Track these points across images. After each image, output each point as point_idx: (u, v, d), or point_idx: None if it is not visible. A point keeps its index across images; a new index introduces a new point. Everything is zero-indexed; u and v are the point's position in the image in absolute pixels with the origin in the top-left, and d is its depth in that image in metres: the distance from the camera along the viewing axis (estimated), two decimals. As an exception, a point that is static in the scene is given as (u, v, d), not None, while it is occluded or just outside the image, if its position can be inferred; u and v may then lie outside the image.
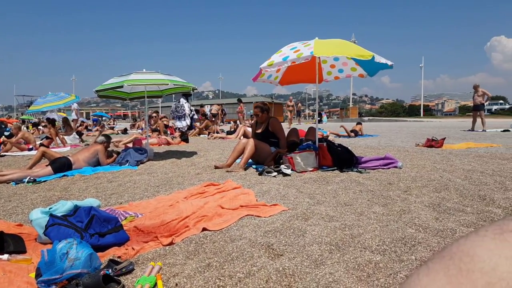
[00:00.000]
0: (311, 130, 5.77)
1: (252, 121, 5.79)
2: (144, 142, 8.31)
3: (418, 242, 2.10)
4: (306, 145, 4.86)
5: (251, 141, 5.12)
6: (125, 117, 69.11)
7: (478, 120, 13.31)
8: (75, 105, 17.27)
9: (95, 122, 25.56)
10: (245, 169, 4.99)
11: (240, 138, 11.39)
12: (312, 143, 4.97)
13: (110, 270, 1.84)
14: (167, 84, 6.53)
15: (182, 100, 13.92)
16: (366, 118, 36.87)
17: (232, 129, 14.63)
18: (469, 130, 13.52)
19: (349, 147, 5.16)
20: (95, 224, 2.38)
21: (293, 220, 2.60)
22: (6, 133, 10.80)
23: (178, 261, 1.99)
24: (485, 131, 12.77)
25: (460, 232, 2.24)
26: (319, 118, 11.54)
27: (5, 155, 8.46)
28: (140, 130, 17.12)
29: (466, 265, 0.28)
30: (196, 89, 7.12)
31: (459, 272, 0.28)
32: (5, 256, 2.00)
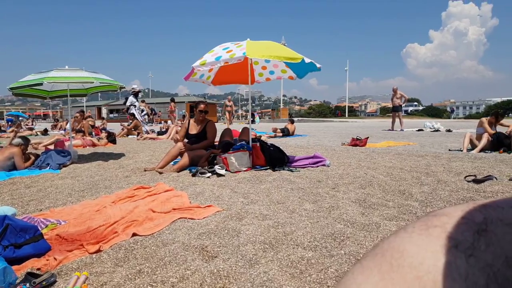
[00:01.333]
0: (245, 131, 5.82)
1: (184, 121, 5.67)
2: (67, 143, 7.77)
3: (346, 237, 2.20)
4: (240, 145, 4.89)
5: (186, 156, 5.00)
6: (45, 117, 64.23)
7: (397, 120, 14.41)
8: None
9: (9, 123, 23.40)
10: (178, 169, 4.87)
11: (172, 139, 11.16)
12: (246, 143, 5.01)
13: (27, 284, 1.68)
14: (92, 82, 6.15)
15: (131, 99, 13.00)
16: (295, 119, 38.13)
17: (164, 129, 14.25)
18: (389, 130, 14.59)
19: (280, 147, 5.28)
20: (9, 235, 2.15)
21: (227, 220, 2.59)
22: None
23: (106, 269, 1.89)
24: (403, 130, 13.87)
25: (384, 226, 2.40)
26: (252, 119, 11.67)
27: None
28: (62, 131, 16.00)
29: (397, 261, 0.29)
30: (123, 87, 6.82)
31: (390, 268, 0.29)
32: None
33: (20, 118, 26.22)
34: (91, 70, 6.38)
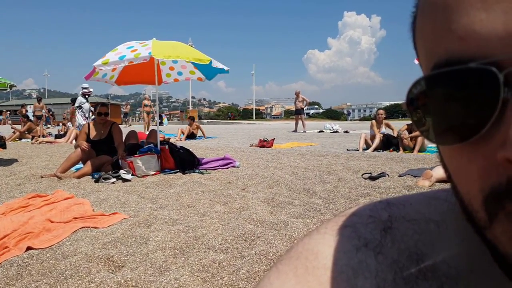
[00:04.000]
0: (153, 133, 5.63)
1: (91, 123, 5.25)
2: None
3: (257, 236, 2.27)
4: (147, 148, 4.72)
5: (89, 164, 4.64)
6: None
7: (300, 122, 15.21)
8: None
9: None
10: (79, 177, 4.52)
11: (71, 143, 10.29)
12: (154, 146, 4.86)
13: None
14: (-26, 80, 5.44)
15: (80, 99, 11.28)
16: (205, 121, 38.00)
17: (62, 132, 13.10)
18: (293, 131, 15.34)
19: (190, 149, 5.23)
20: None
21: (135, 228, 2.50)
22: None
23: (-6, 290, 1.68)
24: (306, 132, 14.70)
25: (291, 224, 2.52)
26: (160, 121, 11.21)
27: None
28: None
29: (312, 263, 0.30)
30: (14, 86, 6.15)
31: (306, 271, 0.30)
32: None
33: None
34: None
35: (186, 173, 4.62)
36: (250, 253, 2.03)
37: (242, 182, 4.04)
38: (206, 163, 5.07)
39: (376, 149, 7.05)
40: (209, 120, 40.87)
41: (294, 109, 15.72)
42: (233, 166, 5.03)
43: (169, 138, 9.55)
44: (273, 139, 8.69)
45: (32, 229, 2.47)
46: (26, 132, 12.40)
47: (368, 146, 7.22)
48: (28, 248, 2.16)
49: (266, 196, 3.35)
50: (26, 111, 15.29)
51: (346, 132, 14.51)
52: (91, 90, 10.96)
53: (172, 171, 4.67)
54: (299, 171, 4.67)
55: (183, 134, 11.71)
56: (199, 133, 12.44)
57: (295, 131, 15.32)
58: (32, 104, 15.74)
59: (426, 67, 0.24)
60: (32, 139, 11.72)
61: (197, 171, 4.72)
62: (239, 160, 5.47)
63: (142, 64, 4.85)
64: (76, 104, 11.43)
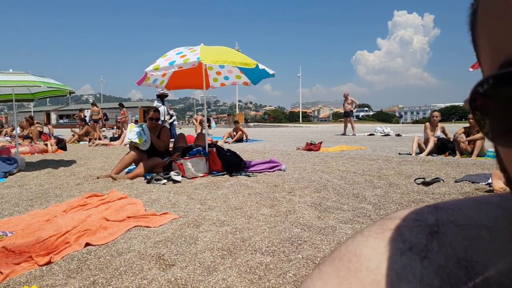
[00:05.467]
0: (201, 136, 5.78)
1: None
2: (13, 150, 7.32)
3: (303, 241, 2.26)
4: (196, 151, 4.85)
5: (142, 165, 4.87)
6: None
7: (349, 125, 14.89)
8: None
9: None
10: (132, 178, 4.75)
11: (125, 145, 10.78)
12: (202, 149, 4.98)
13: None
14: (40, 87, 5.86)
15: (156, 103, 11.66)
16: (251, 124, 38.29)
17: (116, 135, 13.79)
18: (342, 134, 15.05)
19: (237, 152, 5.30)
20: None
21: (184, 228, 2.57)
22: None
23: (58, 281, 1.81)
24: (355, 135, 14.36)
25: (340, 229, 2.48)
26: (208, 124, 11.35)
27: None
28: (8, 138, 15.04)
29: (354, 265, 0.30)
30: (73, 92, 6.56)
31: (348, 273, 0.30)
32: None
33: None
34: (38, 75, 6.09)
35: (233, 175, 4.69)
36: (297, 257, 2.02)
37: (289, 185, 4.03)
38: (253, 165, 5.11)
39: (430, 153, 6.73)
40: (255, 123, 41.12)
41: (342, 111, 15.42)
42: (279, 169, 5.03)
43: (216, 141, 9.75)
44: (321, 142, 8.57)
45: (90, 227, 2.62)
46: (84, 135, 13.19)
47: (421, 150, 6.91)
48: (87, 244, 2.30)
49: (313, 200, 3.32)
50: (84, 115, 16.20)
51: (398, 135, 13.99)
52: (167, 92, 10.90)
53: (219, 173, 4.76)
54: (347, 175, 4.57)
55: (231, 137, 11.89)
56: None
57: (344, 134, 15.02)
58: (89, 109, 16.64)
59: (490, 65, 0.23)
60: (89, 141, 12.45)
61: (244, 173, 4.77)
62: (286, 163, 5.46)
63: (191, 69, 4.99)
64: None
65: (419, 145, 7.02)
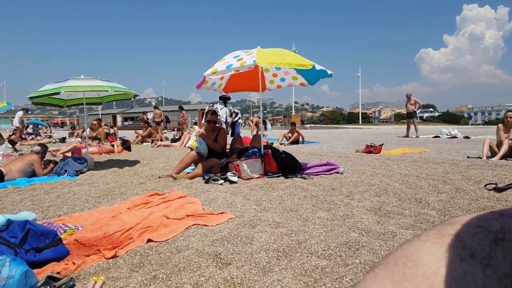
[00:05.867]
0: (256, 138, 5.83)
1: (203, 129, 5.65)
2: (83, 151, 7.91)
3: (361, 245, 2.18)
4: (252, 152, 4.89)
5: (200, 166, 5.02)
6: (63, 125, 65.45)
7: (412, 127, 14.21)
8: (20, 113, 16.71)
9: (29, 135, 23.90)
10: (191, 178, 4.91)
11: (185, 146, 11.19)
12: (258, 150, 5.02)
13: (48, 287, 1.72)
14: (107, 91, 6.29)
15: (217, 106, 11.71)
16: (308, 125, 37.99)
17: (177, 137, 14.35)
18: (404, 137, 14.39)
19: (292, 154, 5.27)
20: (31, 239, 2.21)
21: (240, 228, 2.60)
22: None
23: (122, 274, 1.91)
24: (418, 137, 13.68)
25: (400, 235, 2.37)
26: (263, 126, 11.36)
27: None
28: (79, 139, 16.26)
29: (410, 270, 0.29)
30: (137, 95, 6.93)
31: (403, 277, 0.28)
32: None
33: (39, 126, 26.73)
34: (105, 79, 6.52)
35: (289, 177, 4.67)
36: (354, 261, 1.96)
37: (347, 189, 3.92)
38: (309, 168, 5.04)
39: (503, 157, 6.20)
40: (312, 125, 40.68)
41: (405, 112, 14.75)
42: (337, 172, 4.91)
43: (272, 143, 9.78)
44: (381, 145, 8.25)
45: (151, 224, 2.74)
46: (147, 137, 13.89)
47: (493, 154, 6.40)
48: (149, 240, 2.41)
49: (372, 205, 3.20)
50: (147, 118, 17.06)
51: (467, 137, 13.08)
52: (228, 95, 11.06)
53: (275, 175, 4.77)
54: (410, 179, 4.35)
55: (286, 138, 11.85)
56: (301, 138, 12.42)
57: (407, 136, 14.35)
58: (152, 111, 17.47)
59: None
60: (151, 142, 13.09)
61: (300, 175, 4.73)
62: (343, 166, 5.33)
63: (248, 72, 5.05)
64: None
65: (490, 148, 6.51)
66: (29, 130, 20.96)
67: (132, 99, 7.02)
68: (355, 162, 6.11)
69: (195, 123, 22.46)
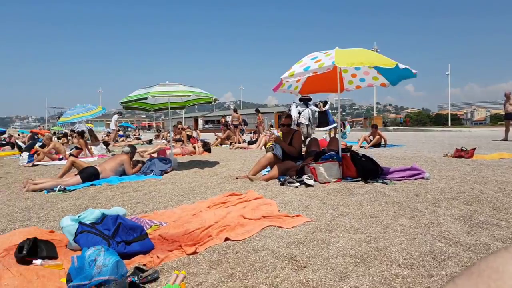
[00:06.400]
0: (334, 140, 5.71)
1: (279, 132, 5.71)
2: (168, 152, 8.44)
3: (448, 256, 2.02)
4: (329, 155, 4.79)
5: (276, 168, 5.07)
6: (149, 127, 70.59)
7: (511, 129, 12.82)
8: (115, 117, 18.94)
9: (123, 129, 26.29)
10: (267, 179, 4.97)
11: (261, 148, 11.38)
12: (335, 153, 4.90)
13: (136, 277, 1.87)
14: (189, 96, 6.66)
15: (299, 108, 11.71)
16: (391, 128, 36.23)
17: (254, 139, 14.66)
18: (502, 140, 12.99)
19: (373, 158, 5.06)
20: (121, 232, 2.42)
21: (316, 231, 2.56)
22: (39, 144, 11.18)
23: (201, 270, 2.00)
24: (519, 140, 12.28)
25: (495, 248, 2.15)
26: (341, 128, 10.98)
27: (38, 164, 8.77)
28: (164, 141, 17.41)
29: (495, 282, 0.27)
30: (217, 99, 7.22)
31: None
32: (39, 261, 2.09)
33: (129, 129, 29.30)
34: (188, 84, 6.90)
35: (369, 182, 4.49)
36: (440, 273, 1.82)
37: (432, 195, 3.66)
38: (391, 172, 4.79)
39: None
40: (395, 127, 38.65)
41: (503, 113, 13.35)
42: (422, 178, 4.60)
43: (351, 146, 9.51)
44: (474, 149, 7.54)
45: (229, 223, 2.83)
46: (226, 139, 14.41)
47: None
48: (226, 239, 2.49)
49: (462, 214, 2.95)
50: (226, 121, 17.69)
51: None
52: (309, 96, 11.04)
53: (353, 180, 4.61)
54: (507, 187, 3.92)
55: (366, 141, 11.41)
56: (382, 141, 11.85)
57: (505, 139, 12.94)
58: (230, 115, 18.08)
59: None
60: (230, 145, 13.55)
61: (381, 180, 4.52)
62: (430, 171, 4.98)
63: (324, 73, 4.96)
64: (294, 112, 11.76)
65: None
66: (120, 132, 23.03)
67: (213, 103, 7.33)
68: (442, 167, 5.68)
69: (271, 126, 22.72)
